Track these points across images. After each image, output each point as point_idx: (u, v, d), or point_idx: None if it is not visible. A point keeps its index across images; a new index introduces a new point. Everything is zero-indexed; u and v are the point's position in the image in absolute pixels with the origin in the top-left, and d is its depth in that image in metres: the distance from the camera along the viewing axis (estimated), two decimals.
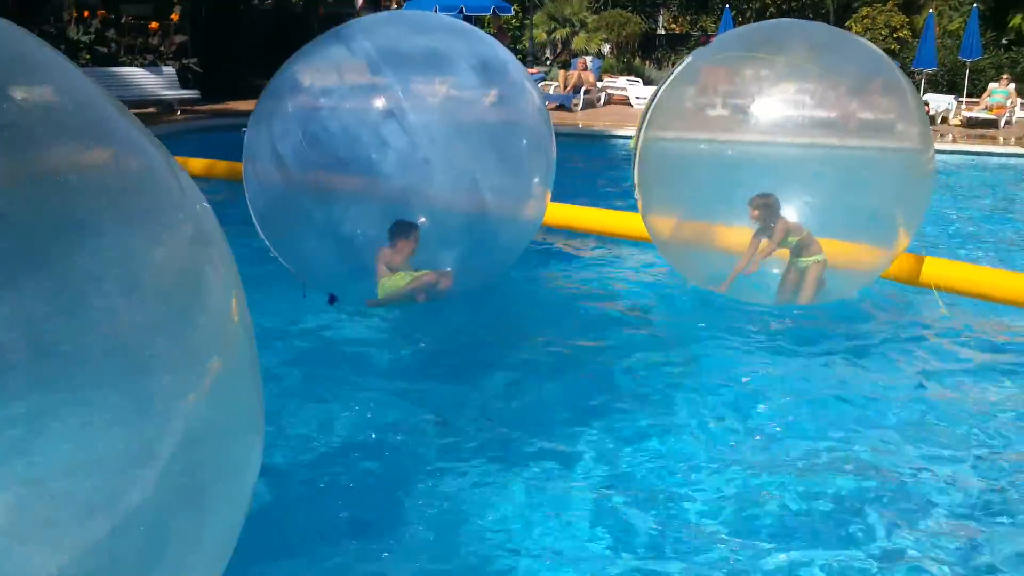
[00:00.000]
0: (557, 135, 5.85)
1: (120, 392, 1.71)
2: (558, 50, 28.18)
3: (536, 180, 5.60)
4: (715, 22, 29.84)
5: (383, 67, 5.18)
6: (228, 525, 2.05)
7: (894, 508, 3.53)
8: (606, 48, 28.23)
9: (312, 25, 20.07)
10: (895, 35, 24.56)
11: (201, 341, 1.89)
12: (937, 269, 6.07)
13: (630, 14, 29.76)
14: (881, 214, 5.45)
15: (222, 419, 1.96)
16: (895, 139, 5.60)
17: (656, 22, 34.68)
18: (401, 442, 4.04)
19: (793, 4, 28.65)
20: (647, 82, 21.46)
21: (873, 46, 5.90)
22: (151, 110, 16.90)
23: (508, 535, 3.34)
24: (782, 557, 3.20)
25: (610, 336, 5.53)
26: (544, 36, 28.11)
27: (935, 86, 20.66)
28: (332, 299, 5.51)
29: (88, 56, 16.50)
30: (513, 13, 27.43)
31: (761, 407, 4.45)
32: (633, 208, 6.44)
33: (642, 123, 5.85)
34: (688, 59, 6.08)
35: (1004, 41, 23.93)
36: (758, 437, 4.14)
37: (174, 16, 18.38)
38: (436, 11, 18.57)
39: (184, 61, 17.82)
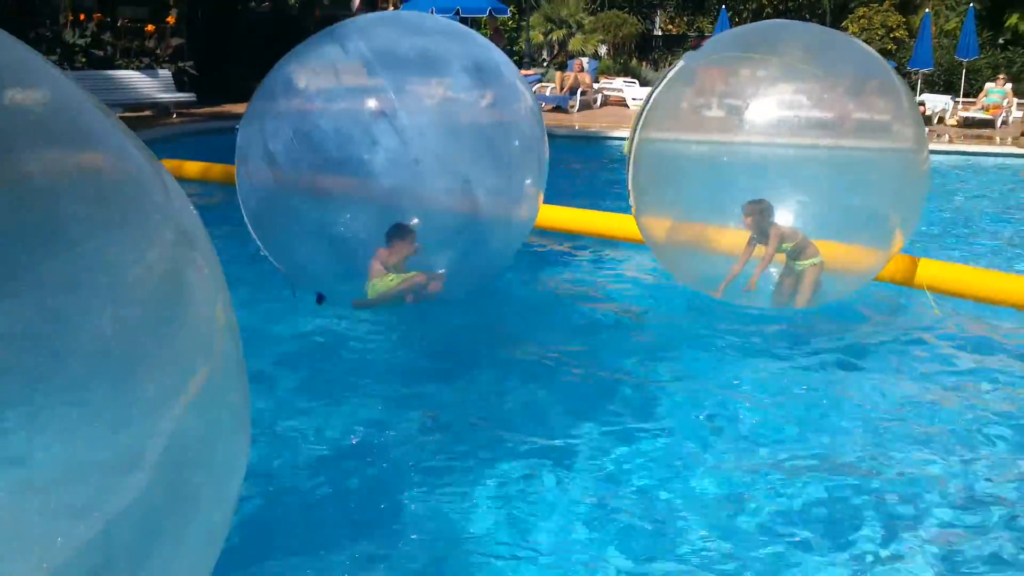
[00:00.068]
0: (553, 137, 5.85)
1: (105, 395, 1.71)
2: (555, 51, 28.18)
3: (529, 181, 5.60)
4: (711, 23, 29.87)
5: (377, 67, 5.17)
6: (215, 526, 2.05)
7: (888, 510, 3.53)
8: (603, 49, 28.27)
9: (308, 27, 20.07)
10: (891, 35, 24.56)
11: (186, 343, 1.89)
12: (931, 271, 6.07)
13: (627, 15, 29.79)
14: (876, 215, 5.45)
15: (208, 420, 1.96)
16: (890, 140, 5.59)
17: (653, 23, 34.70)
18: (394, 443, 4.04)
19: (790, 4, 28.67)
20: (643, 83, 21.46)
21: (867, 47, 5.89)
22: (147, 113, 16.90)
23: (501, 536, 3.34)
24: (775, 559, 3.20)
25: (603, 338, 5.53)
26: (541, 37, 28.13)
27: (932, 86, 20.69)
28: (320, 299, 5.50)
29: (84, 59, 16.50)
30: (509, 14, 27.42)
31: (754, 409, 4.45)
32: (628, 210, 6.43)
33: (636, 124, 5.84)
34: (681, 62, 6.07)
35: (1000, 41, 23.95)
36: (752, 439, 4.13)
37: (170, 19, 18.41)
38: (432, 12, 18.56)
39: (180, 64, 17.82)
